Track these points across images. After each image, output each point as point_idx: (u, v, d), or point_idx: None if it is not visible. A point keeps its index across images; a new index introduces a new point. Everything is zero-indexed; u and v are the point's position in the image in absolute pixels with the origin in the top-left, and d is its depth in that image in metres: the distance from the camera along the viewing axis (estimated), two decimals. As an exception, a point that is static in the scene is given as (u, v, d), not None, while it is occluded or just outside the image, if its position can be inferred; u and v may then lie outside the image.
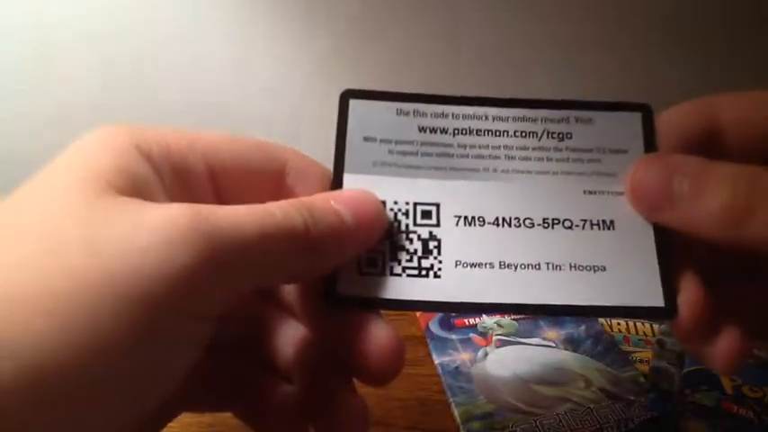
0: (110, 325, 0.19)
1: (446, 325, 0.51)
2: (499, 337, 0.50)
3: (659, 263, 0.27)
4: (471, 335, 0.50)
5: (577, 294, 0.27)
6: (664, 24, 0.60)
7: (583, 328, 0.51)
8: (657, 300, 0.27)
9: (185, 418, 0.45)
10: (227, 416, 0.45)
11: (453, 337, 0.50)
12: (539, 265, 0.27)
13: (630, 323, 0.53)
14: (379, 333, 0.26)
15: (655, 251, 0.28)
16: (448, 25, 0.61)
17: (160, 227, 0.20)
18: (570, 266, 0.27)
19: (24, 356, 0.18)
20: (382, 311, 0.27)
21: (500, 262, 0.27)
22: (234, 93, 0.66)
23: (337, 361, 0.27)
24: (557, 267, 0.27)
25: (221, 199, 0.26)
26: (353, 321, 0.26)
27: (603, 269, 0.28)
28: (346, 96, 0.31)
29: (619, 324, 0.52)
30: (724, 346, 0.26)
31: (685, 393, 0.44)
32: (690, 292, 0.26)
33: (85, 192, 0.21)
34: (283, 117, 0.67)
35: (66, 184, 0.22)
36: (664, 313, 0.27)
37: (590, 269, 0.28)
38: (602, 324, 0.52)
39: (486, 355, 0.48)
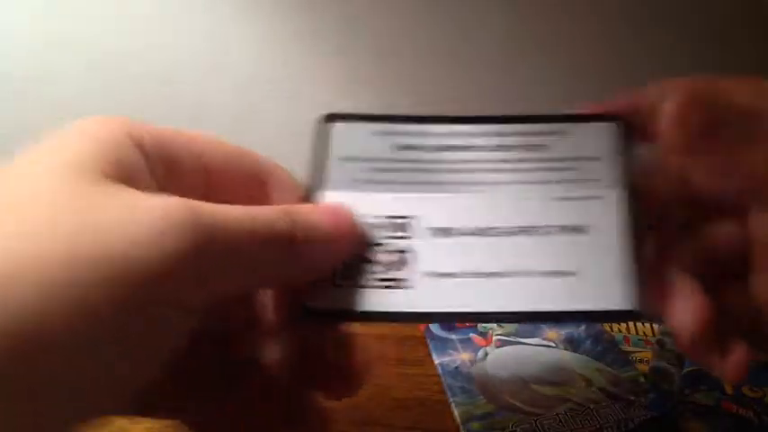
0: (96, 300, 0.19)
1: (446, 325, 0.51)
2: (499, 337, 0.50)
3: (630, 266, 0.27)
4: (471, 335, 0.50)
5: (547, 300, 0.27)
6: (661, 22, 0.60)
7: (583, 327, 0.51)
8: (626, 303, 0.27)
9: (185, 418, 0.45)
10: (227, 416, 0.46)
11: (453, 337, 0.50)
12: (510, 272, 0.28)
13: (630, 323, 0.53)
14: (344, 351, 0.27)
15: (627, 254, 0.28)
16: (442, 26, 0.61)
17: (155, 216, 0.21)
18: (541, 273, 0.28)
19: (9, 319, 0.18)
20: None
21: (473, 271, 0.28)
22: (238, 92, 0.66)
23: (304, 372, 0.28)
24: (528, 274, 0.27)
25: (208, 197, 0.27)
26: (322, 335, 0.27)
27: (573, 274, 0.28)
28: (327, 119, 0.31)
29: (619, 324, 0.52)
30: (734, 359, 0.26)
31: (685, 393, 0.44)
32: (694, 311, 0.26)
33: (79, 176, 0.22)
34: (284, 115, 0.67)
35: (58, 167, 0.22)
36: (633, 317, 0.27)
37: (560, 274, 0.28)
38: (602, 324, 0.52)
39: (486, 355, 0.48)
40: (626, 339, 0.51)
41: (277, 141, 0.54)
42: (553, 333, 0.50)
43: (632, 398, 0.44)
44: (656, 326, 0.52)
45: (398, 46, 0.62)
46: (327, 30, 0.62)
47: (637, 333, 0.52)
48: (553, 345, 0.49)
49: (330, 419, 0.29)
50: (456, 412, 0.43)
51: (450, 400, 0.44)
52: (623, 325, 0.52)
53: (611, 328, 0.52)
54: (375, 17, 0.61)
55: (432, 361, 0.49)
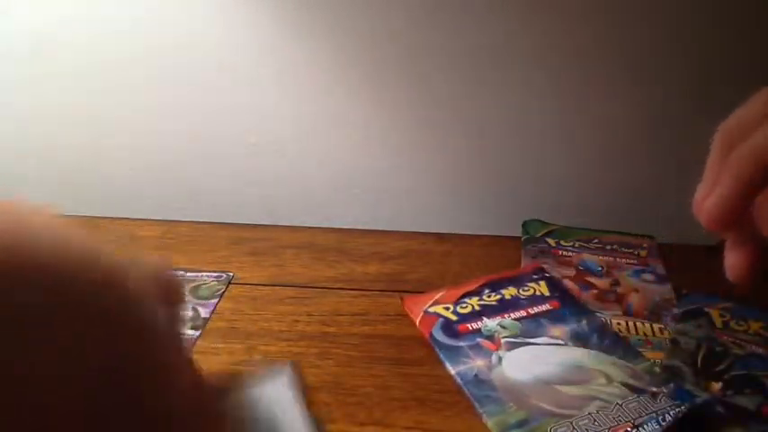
0: None
1: (449, 331, 0.51)
2: (506, 339, 0.50)
3: None
4: (478, 340, 0.50)
5: None
6: (662, 26, 0.60)
7: (584, 322, 0.51)
8: None
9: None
10: (226, 416, 0.46)
11: (462, 344, 0.50)
12: None
13: (630, 323, 0.53)
14: None
15: None
16: (452, 23, 0.61)
17: None
18: None
19: None
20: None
21: None
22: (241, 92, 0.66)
23: None
24: None
25: None
26: None
27: None
28: None
29: (619, 324, 0.52)
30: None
31: (727, 395, 0.44)
32: None
33: None
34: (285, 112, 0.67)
35: None
36: None
37: None
38: (603, 318, 0.52)
39: (500, 359, 0.48)
40: (626, 340, 0.51)
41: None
42: (557, 330, 0.50)
43: (654, 389, 0.44)
44: (656, 325, 0.53)
45: (398, 41, 0.62)
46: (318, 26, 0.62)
47: (636, 333, 0.52)
48: (561, 342, 0.49)
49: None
50: (489, 423, 0.42)
51: (481, 411, 0.44)
52: (623, 325, 0.52)
53: (610, 325, 0.52)
54: (373, 13, 0.61)
55: (433, 361, 0.49)
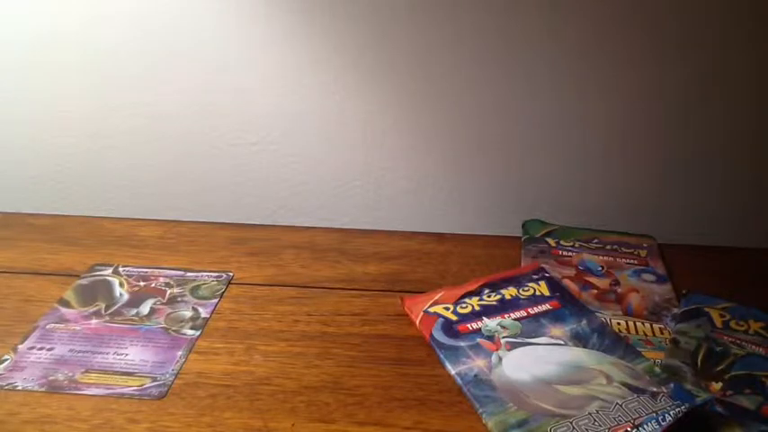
0: None
1: (450, 331, 0.51)
2: (507, 339, 0.50)
3: None
4: (479, 340, 0.50)
5: None
6: (663, 27, 0.60)
7: (584, 322, 0.51)
8: None
9: (185, 418, 0.45)
10: (227, 416, 0.46)
11: (462, 344, 0.50)
12: None
13: (630, 323, 0.53)
14: None
15: None
16: (452, 23, 0.61)
17: None
18: None
19: None
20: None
21: None
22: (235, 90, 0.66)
23: None
24: None
25: None
26: None
27: None
28: None
29: (618, 324, 0.52)
30: None
31: (727, 395, 0.44)
32: None
33: None
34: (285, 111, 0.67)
35: None
36: None
37: None
38: (603, 318, 0.52)
39: (500, 359, 0.48)
40: (626, 339, 0.51)
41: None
42: (558, 330, 0.50)
43: (654, 389, 0.44)
44: (656, 325, 0.53)
45: (396, 43, 0.62)
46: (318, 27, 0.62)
47: (636, 333, 0.52)
48: (562, 342, 0.49)
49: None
50: (489, 423, 0.42)
51: (480, 411, 0.44)
52: (623, 325, 0.52)
53: (610, 325, 0.52)
54: (372, 16, 0.61)
55: (433, 361, 0.49)
